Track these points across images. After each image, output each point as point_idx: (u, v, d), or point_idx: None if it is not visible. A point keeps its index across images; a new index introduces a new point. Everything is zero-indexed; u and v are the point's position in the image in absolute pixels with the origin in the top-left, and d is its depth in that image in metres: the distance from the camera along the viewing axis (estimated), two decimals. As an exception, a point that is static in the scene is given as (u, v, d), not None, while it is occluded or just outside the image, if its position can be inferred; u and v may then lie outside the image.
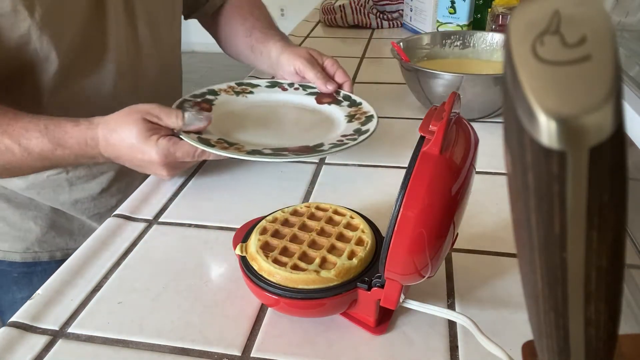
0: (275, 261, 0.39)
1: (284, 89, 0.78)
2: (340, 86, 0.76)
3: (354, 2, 1.35)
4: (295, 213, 0.45)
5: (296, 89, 0.78)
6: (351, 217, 0.44)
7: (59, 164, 0.60)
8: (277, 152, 0.59)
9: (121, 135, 0.56)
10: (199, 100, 0.72)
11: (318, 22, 1.42)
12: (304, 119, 0.72)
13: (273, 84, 0.79)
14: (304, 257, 0.40)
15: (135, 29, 0.71)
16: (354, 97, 0.74)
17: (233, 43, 0.90)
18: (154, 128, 0.56)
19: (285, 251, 0.41)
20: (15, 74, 0.61)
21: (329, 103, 0.74)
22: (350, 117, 0.69)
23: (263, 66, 0.86)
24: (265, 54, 0.82)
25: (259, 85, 0.79)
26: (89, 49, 0.66)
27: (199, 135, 0.60)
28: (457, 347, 0.39)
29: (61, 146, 0.56)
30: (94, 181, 0.74)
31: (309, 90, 0.77)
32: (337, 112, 0.72)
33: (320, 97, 0.75)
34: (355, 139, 0.62)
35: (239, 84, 0.79)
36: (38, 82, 0.63)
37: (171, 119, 0.57)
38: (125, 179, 0.77)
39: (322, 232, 0.42)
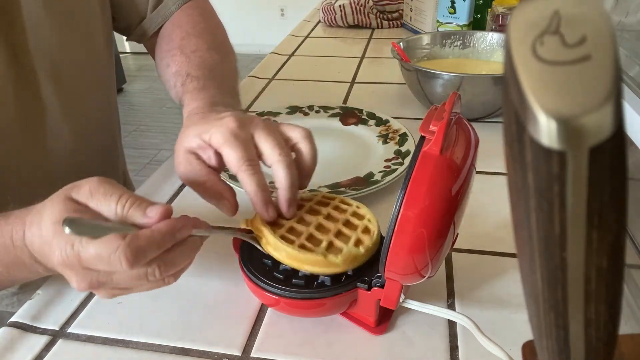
0: (283, 237, 0.38)
1: (306, 114, 0.77)
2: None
3: (354, 2, 1.35)
4: (301, 199, 0.44)
5: (317, 112, 0.78)
6: (357, 207, 0.43)
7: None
8: (334, 189, 0.58)
9: (39, 224, 0.36)
10: None
11: (318, 22, 1.42)
12: (337, 145, 0.68)
13: (293, 110, 0.78)
14: (311, 238, 0.39)
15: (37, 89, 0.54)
16: (378, 114, 0.75)
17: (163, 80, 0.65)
18: (77, 208, 0.35)
19: (292, 230, 0.39)
20: None
21: (355, 124, 0.74)
22: (384, 138, 0.70)
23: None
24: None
25: (280, 113, 0.77)
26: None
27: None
28: (457, 347, 0.39)
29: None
30: None
31: (331, 112, 0.77)
32: (367, 133, 0.72)
33: (345, 119, 0.75)
34: (401, 163, 0.62)
35: (260, 114, 0.74)
36: None
37: (108, 204, 0.35)
38: None
39: (328, 217, 0.41)
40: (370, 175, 0.62)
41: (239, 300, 0.44)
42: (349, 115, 0.76)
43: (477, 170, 0.37)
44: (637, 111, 0.46)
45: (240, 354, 0.39)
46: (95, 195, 0.36)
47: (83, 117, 0.62)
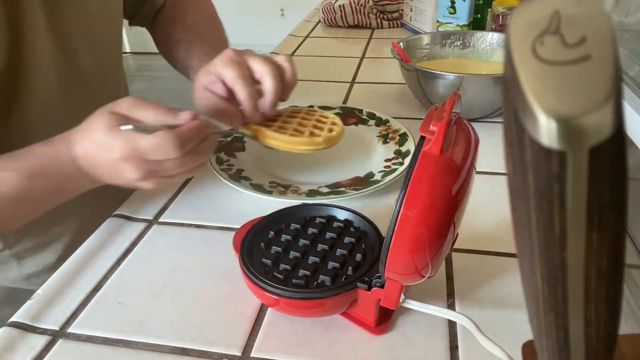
0: (276, 131, 0.52)
1: None
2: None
3: (354, 2, 1.35)
4: (278, 114, 0.56)
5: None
6: (321, 113, 0.57)
7: (42, 200, 0.50)
8: (334, 189, 0.59)
9: (89, 135, 0.45)
10: (229, 139, 0.69)
11: (318, 22, 1.42)
12: (337, 145, 0.64)
13: None
14: (295, 131, 0.52)
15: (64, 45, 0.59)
16: (378, 114, 0.75)
17: (168, 55, 0.75)
18: (123, 118, 0.44)
19: (280, 128, 0.53)
20: None
21: (355, 124, 0.75)
22: (384, 138, 0.70)
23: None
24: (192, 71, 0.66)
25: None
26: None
27: (251, 181, 0.60)
28: (457, 347, 0.39)
29: (37, 175, 0.46)
30: (46, 251, 0.65)
31: (331, 112, 0.77)
32: (367, 133, 0.72)
33: (345, 119, 0.75)
34: (401, 163, 0.62)
35: None
36: None
37: (146, 112, 0.44)
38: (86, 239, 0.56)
39: (303, 119, 0.55)
40: (370, 175, 0.62)
41: (239, 300, 0.44)
42: (349, 115, 0.76)
43: (477, 170, 0.37)
44: (637, 111, 0.46)
45: (240, 354, 0.39)
46: (135, 107, 0.45)
47: (113, 93, 0.69)
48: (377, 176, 0.61)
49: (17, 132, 0.57)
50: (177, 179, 0.49)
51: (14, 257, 0.63)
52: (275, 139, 0.51)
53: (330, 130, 0.53)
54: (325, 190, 0.58)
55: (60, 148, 0.47)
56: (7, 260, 0.63)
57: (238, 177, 0.61)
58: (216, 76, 0.53)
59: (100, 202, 0.59)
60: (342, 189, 0.58)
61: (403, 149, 0.66)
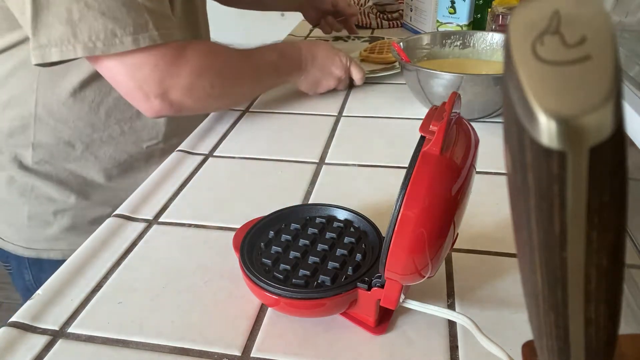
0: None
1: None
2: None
3: (354, 2, 1.35)
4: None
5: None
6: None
7: (281, 75, 0.80)
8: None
9: (319, 45, 0.85)
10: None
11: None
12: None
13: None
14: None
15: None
16: None
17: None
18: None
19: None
20: None
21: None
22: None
23: (283, 5, 1.25)
24: None
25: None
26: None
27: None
28: (457, 347, 0.39)
29: (284, 56, 0.79)
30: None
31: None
32: None
33: None
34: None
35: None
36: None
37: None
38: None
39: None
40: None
41: (239, 300, 0.44)
42: None
43: (477, 170, 0.37)
44: (637, 111, 0.46)
45: (240, 354, 0.39)
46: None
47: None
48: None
49: None
50: (338, 87, 0.89)
51: (162, 151, 0.81)
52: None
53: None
54: None
55: (295, 45, 0.82)
56: (156, 155, 0.82)
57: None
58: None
59: None
60: None
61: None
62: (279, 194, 0.60)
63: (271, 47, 0.77)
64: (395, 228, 0.33)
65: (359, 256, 0.41)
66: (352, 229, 0.44)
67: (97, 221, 0.75)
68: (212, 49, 0.71)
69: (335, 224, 0.45)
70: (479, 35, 0.90)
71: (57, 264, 0.76)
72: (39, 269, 0.79)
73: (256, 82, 0.77)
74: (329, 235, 0.44)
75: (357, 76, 0.87)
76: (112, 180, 0.80)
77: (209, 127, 0.78)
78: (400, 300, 0.38)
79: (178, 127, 0.82)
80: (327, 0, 1.14)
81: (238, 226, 0.46)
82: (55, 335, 0.41)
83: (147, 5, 0.61)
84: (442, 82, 0.73)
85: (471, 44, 0.90)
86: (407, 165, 0.33)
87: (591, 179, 0.13)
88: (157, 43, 0.62)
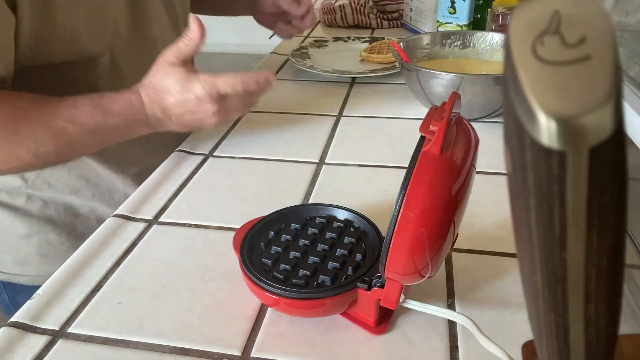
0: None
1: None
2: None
3: (354, 2, 1.35)
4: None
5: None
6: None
7: (111, 136, 0.60)
8: None
9: (164, 86, 0.59)
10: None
11: (318, 22, 1.42)
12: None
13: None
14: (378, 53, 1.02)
15: (176, 17, 0.77)
16: None
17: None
18: (190, 69, 0.59)
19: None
20: (70, 69, 0.63)
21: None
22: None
23: (237, 10, 1.02)
24: None
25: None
26: (134, 42, 0.69)
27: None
28: (457, 347, 0.39)
29: (110, 114, 0.58)
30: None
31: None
32: None
33: None
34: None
35: (316, 41, 1.15)
36: (91, 77, 0.66)
37: (189, 37, 0.59)
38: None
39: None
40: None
41: (239, 300, 0.44)
42: None
43: (477, 170, 0.37)
44: (637, 111, 0.46)
45: (240, 354, 0.39)
46: (181, 57, 0.60)
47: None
48: None
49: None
50: (235, 116, 0.65)
51: (121, 181, 0.74)
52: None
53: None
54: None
55: (130, 95, 0.60)
56: (116, 183, 0.75)
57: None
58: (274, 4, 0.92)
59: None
60: None
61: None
62: (279, 194, 0.60)
63: (92, 104, 0.58)
64: (395, 228, 0.33)
65: (359, 256, 0.41)
66: (352, 229, 0.44)
67: (67, 248, 0.73)
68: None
69: (335, 224, 0.45)
70: (479, 35, 0.90)
71: (29, 288, 0.74)
72: (13, 291, 0.76)
73: (66, 149, 0.59)
74: (329, 235, 0.44)
75: (227, 90, 0.60)
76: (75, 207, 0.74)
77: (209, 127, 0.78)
78: (400, 300, 0.38)
79: (131, 155, 0.73)
80: (267, 2, 0.93)
81: (238, 226, 0.46)
82: (55, 335, 0.41)
83: None
84: (442, 82, 0.73)
85: (471, 44, 0.90)
86: (407, 165, 0.33)
87: (591, 179, 0.13)
88: None
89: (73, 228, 0.74)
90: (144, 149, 0.69)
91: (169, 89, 0.59)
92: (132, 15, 0.69)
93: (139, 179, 0.71)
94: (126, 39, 0.68)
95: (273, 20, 0.96)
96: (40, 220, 0.72)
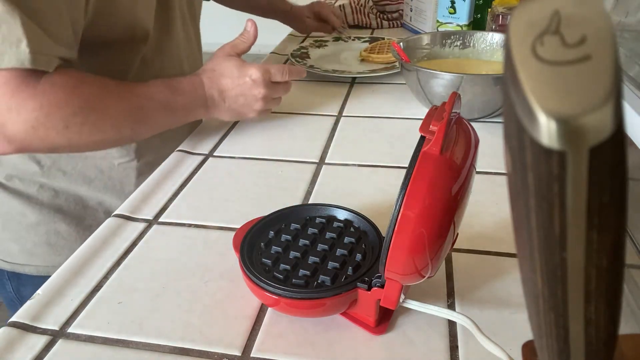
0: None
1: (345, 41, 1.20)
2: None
3: (354, 2, 1.35)
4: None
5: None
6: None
7: (178, 115, 0.67)
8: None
9: (222, 69, 0.68)
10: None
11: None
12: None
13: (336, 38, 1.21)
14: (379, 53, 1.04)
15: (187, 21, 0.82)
16: None
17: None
18: (237, 57, 0.70)
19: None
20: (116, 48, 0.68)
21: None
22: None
23: (277, 14, 1.21)
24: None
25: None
26: (158, 36, 0.74)
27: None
28: (457, 347, 0.39)
29: (180, 93, 0.65)
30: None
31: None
32: None
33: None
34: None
35: (316, 41, 1.18)
36: (129, 59, 0.70)
37: (245, 36, 0.72)
38: None
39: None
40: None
41: (239, 300, 0.44)
42: None
43: (477, 170, 0.37)
44: (637, 111, 0.46)
45: (240, 354, 0.39)
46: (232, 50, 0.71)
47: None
48: None
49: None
50: (273, 106, 0.75)
51: (136, 170, 0.77)
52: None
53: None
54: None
55: (193, 78, 0.67)
56: (129, 173, 0.77)
57: None
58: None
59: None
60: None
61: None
62: (279, 194, 0.60)
63: (163, 83, 0.64)
64: (395, 228, 0.33)
65: (359, 256, 0.41)
66: (352, 229, 0.44)
67: (74, 239, 0.74)
68: (79, 84, 0.58)
69: (335, 224, 0.45)
70: (479, 35, 0.90)
71: (34, 279, 0.75)
72: (18, 282, 0.77)
73: (140, 125, 0.64)
74: (329, 235, 0.44)
75: (277, 77, 0.71)
76: (87, 198, 0.76)
77: (209, 127, 0.78)
78: (400, 300, 0.38)
79: (150, 143, 0.75)
80: (307, 17, 1.21)
81: (238, 226, 0.46)
82: (55, 335, 0.41)
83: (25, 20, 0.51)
84: (442, 82, 0.73)
85: (471, 44, 0.90)
86: (407, 165, 0.33)
87: (591, 179, 0.13)
88: (15, 67, 0.52)
89: (82, 219, 0.75)
90: (160, 135, 0.70)
91: (227, 72, 0.68)
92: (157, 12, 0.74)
93: (152, 168, 0.71)
94: (154, 34, 0.73)
95: (306, 26, 1.24)
96: (50, 209, 0.73)
